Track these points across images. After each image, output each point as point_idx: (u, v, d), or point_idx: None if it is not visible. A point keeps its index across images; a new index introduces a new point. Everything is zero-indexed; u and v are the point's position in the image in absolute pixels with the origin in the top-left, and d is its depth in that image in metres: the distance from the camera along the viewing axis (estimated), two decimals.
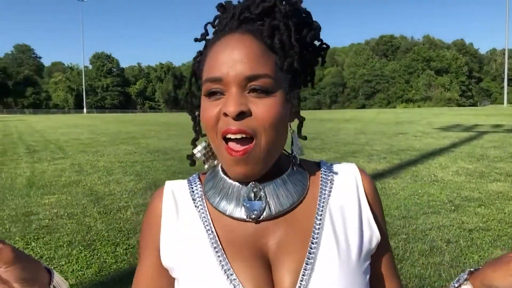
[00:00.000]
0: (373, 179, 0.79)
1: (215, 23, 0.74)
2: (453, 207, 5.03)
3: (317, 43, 0.74)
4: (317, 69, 0.78)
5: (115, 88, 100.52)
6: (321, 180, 0.75)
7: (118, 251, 3.83)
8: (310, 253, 0.67)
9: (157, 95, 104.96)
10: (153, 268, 0.74)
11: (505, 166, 7.64)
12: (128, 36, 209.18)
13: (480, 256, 3.58)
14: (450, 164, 8.02)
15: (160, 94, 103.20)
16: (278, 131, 0.67)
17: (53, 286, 0.62)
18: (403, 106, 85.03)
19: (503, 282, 0.59)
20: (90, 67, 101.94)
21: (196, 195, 0.75)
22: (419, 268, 3.34)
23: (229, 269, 0.66)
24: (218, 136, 0.67)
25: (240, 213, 0.70)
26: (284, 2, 0.69)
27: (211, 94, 0.67)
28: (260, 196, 0.70)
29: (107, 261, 3.62)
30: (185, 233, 0.71)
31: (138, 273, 0.76)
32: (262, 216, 0.69)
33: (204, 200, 0.74)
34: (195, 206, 0.74)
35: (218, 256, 0.67)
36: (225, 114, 0.64)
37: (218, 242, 0.69)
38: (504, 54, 75.61)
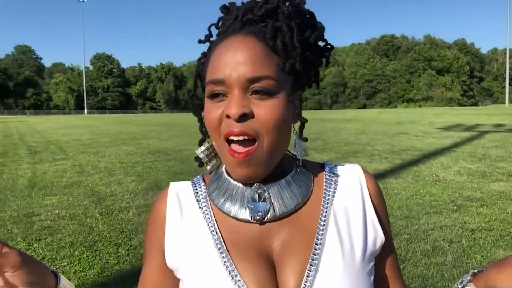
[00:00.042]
0: (375, 179, 0.79)
1: (219, 24, 0.74)
2: (455, 207, 5.02)
3: (321, 43, 0.74)
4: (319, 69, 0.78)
5: (115, 89, 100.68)
6: (325, 181, 0.75)
7: (120, 252, 3.83)
8: (314, 254, 0.67)
9: (158, 96, 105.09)
10: (158, 269, 0.74)
11: (507, 165, 7.63)
12: (129, 37, 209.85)
13: (482, 256, 3.57)
14: (451, 164, 8.02)
15: (161, 94, 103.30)
16: (280, 132, 0.66)
17: None
18: (404, 106, 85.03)
19: (508, 283, 0.58)
20: (91, 67, 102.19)
21: (201, 197, 0.75)
22: (422, 268, 3.33)
23: (233, 270, 0.66)
24: (221, 138, 0.67)
25: (245, 214, 0.70)
26: (287, 4, 0.68)
27: (214, 96, 0.67)
28: (265, 198, 0.70)
29: (109, 262, 3.63)
30: (190, 234, 0.72)
31: (143, 274, 0.77)
32: (266, 218, 0.69)
33: (208, 202, 0.74)
34: (200, 208, 0.74)
35: (223, 257, 0.67)
36: (228, 116, 0.64)
37: (223, 243, 0.69)
38: (505, 53, 75.55)
